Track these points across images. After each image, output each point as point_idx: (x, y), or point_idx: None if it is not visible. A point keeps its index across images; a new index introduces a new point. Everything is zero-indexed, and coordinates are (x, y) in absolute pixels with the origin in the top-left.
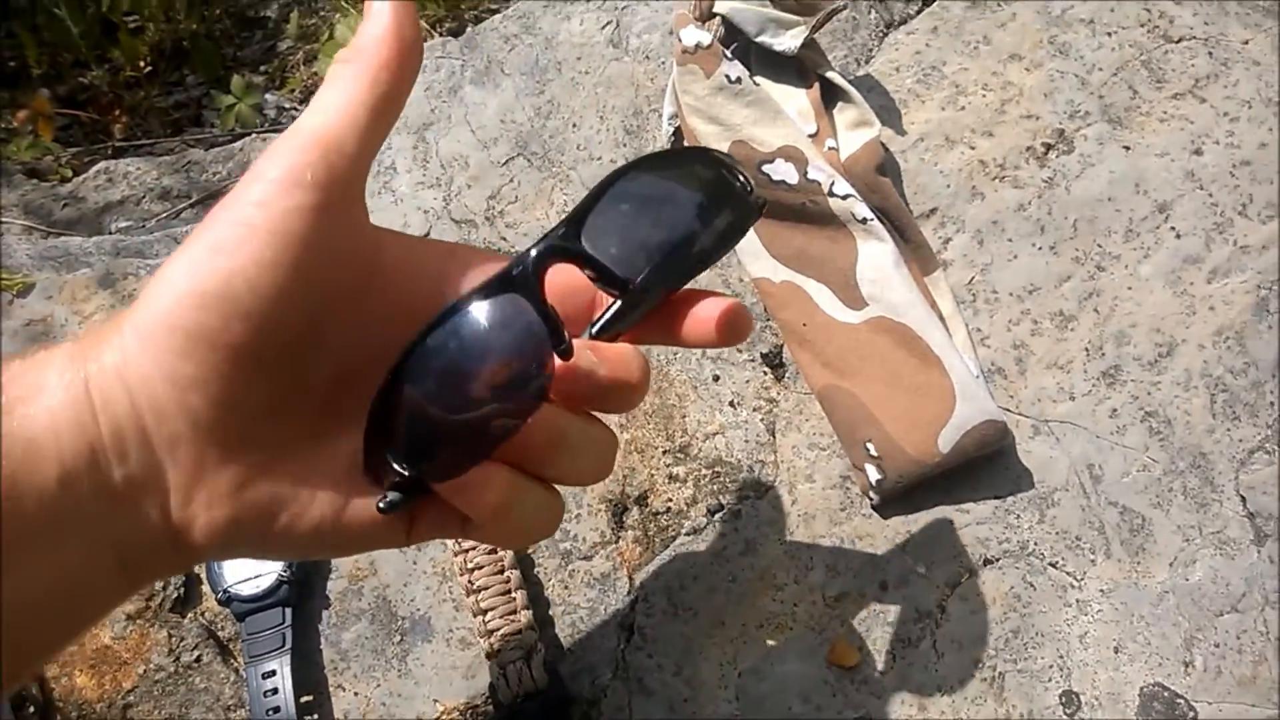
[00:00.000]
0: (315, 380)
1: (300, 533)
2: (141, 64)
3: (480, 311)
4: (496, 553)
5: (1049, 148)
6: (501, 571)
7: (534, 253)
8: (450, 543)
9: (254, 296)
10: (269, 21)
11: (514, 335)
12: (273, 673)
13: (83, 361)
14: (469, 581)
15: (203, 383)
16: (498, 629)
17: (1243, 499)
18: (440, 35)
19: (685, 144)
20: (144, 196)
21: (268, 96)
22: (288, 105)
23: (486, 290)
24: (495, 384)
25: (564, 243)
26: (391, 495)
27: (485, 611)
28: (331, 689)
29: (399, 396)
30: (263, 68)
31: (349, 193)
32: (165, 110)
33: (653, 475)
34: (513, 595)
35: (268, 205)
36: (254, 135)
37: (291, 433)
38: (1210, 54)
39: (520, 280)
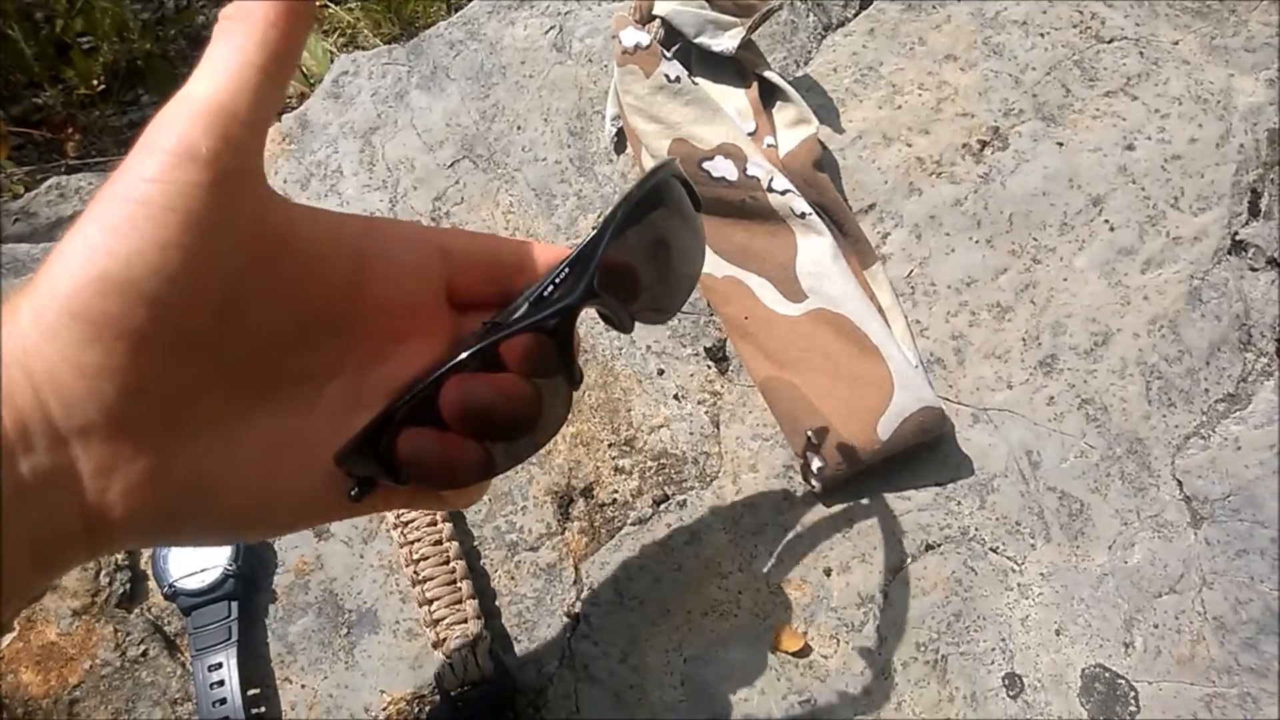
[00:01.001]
0: (230, 358)
1: (225, 513)
2: (95, 83)
3: (512, 352)
4: (442, 543)
5: (984, 145)
6: (447, 562)
7: (565, 302)
8: (396, 534)
9: (157, 279)
10: None
11: (545, 382)
12: (219, 665)
13: None
14: (414, 572)
15: (111, 370)
16: (443, 619)
17: (1179, 483)
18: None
19: (628, 143)
20: None
21: None
22: None
23: (514, 331)
24: (523, 422)
25: (597, 302)
26: (360, 484)
27: (431, 602)
28: (279, 682)
29: (410, 426)
30: None
31: (247, 163)
32: (119, 129)
33: (599, 467)
34: (458, 585)
35: (162, 181)
36: None
37: (208, 412)
38: (1141, 54)
39: (556, 330)
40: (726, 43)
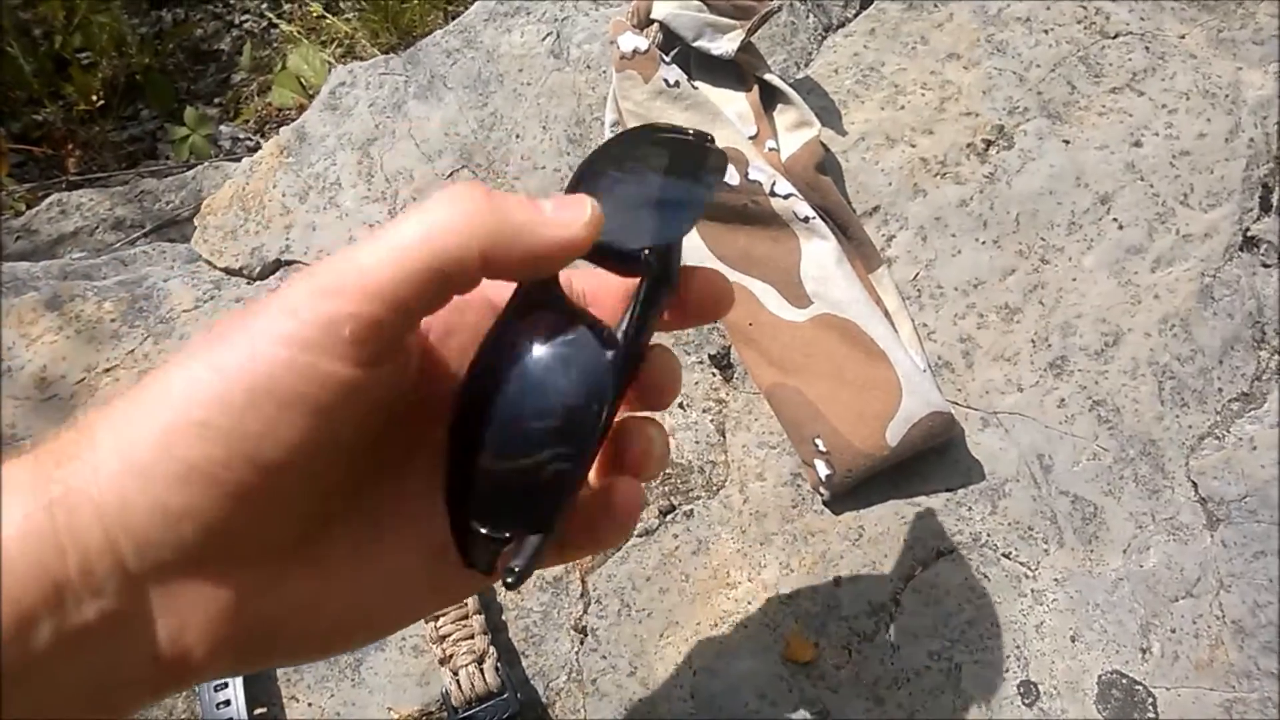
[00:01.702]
0: (321, 487)
1: (320, 633)
2: (94, 99)
3: (520, 346)
4: None
5: (989, 144)
6: None
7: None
8: None
9: (268, 446)
10: (222, 54)
11: (572, 360)
12: (225, 685)
13: (46, 482)
14: None
15: (196, 513)
16: (449, 635)
17: (1194, 484)
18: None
19: None
20: (97, 227)
21: (222, 128)
22: (242, 136)
23: (512, 321)
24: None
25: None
26: (516, 563)
27: (437, 618)
28: (285, 700)
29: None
30: (217, 100)
31: (395, 348)
32: (120, 144)
33: None
34: (464, 601)
35: (294, 357)
36: (207, 164)
37: (294, 538)
38: (1147, 49)
39: (544, 297)
40: (726, 46)
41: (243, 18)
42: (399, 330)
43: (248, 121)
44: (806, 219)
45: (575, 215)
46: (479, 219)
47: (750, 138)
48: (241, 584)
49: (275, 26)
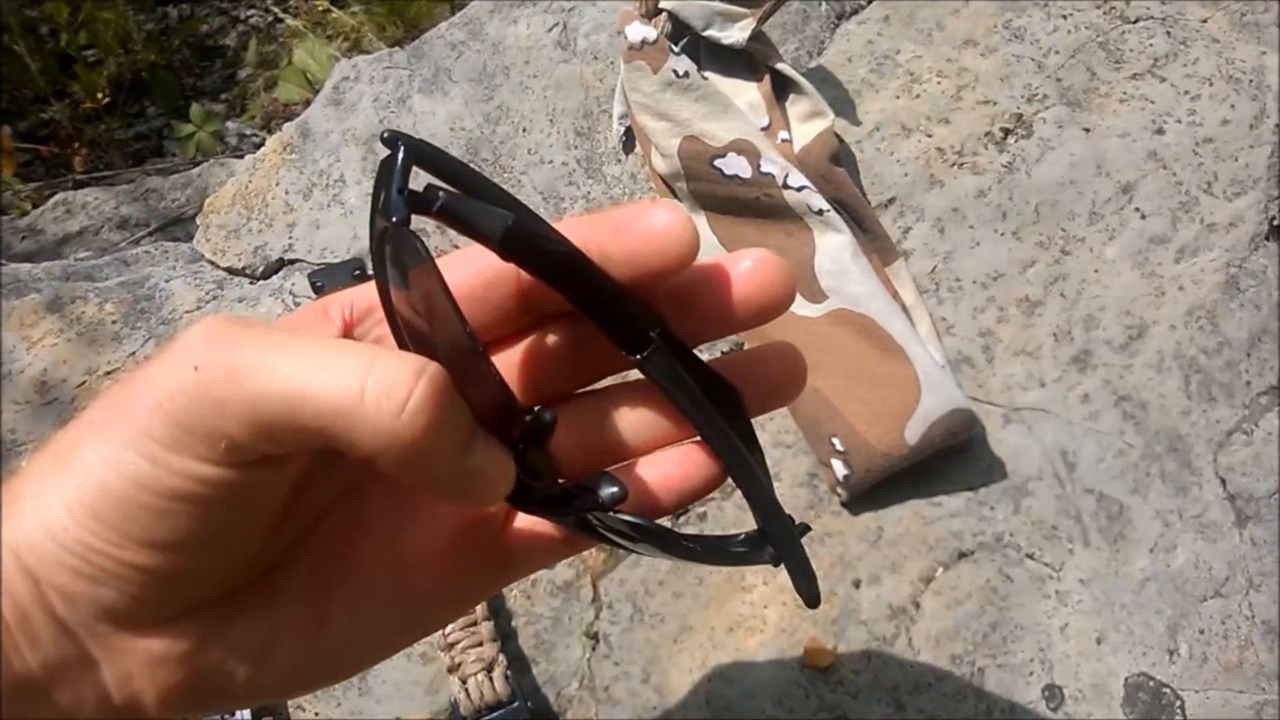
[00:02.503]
0: (263, 544)
1: (281, 672)
2: (100, 96)
3: None
4: None
5: (1007, 132)
6: None
7: None
8: None
9: (162, 532)
10: (228, 50)
11: None
12: None
13: None
14: None
15: (110, 580)
16: (458, 642)
17: (1222, 481)
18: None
19: (636, 143)
20: (102, 226)
21: (229, 124)
22: (249, 132)
23: None
24: None
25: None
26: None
27: (444, 625)
28: (292, 710)
29: None
30: (223, 96)
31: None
32: (126, 142)
33: None
34: (472, 608)
35: (165, 461)
36: (212, 161)
37: (240, 587)
38: (1168, 33)
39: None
40: (736, 35)
41: (248, 13)
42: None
43: (254, 118)
44: (820, 212)
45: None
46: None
47: (762, 129)
48: (180, 635)
49: (280, 21)
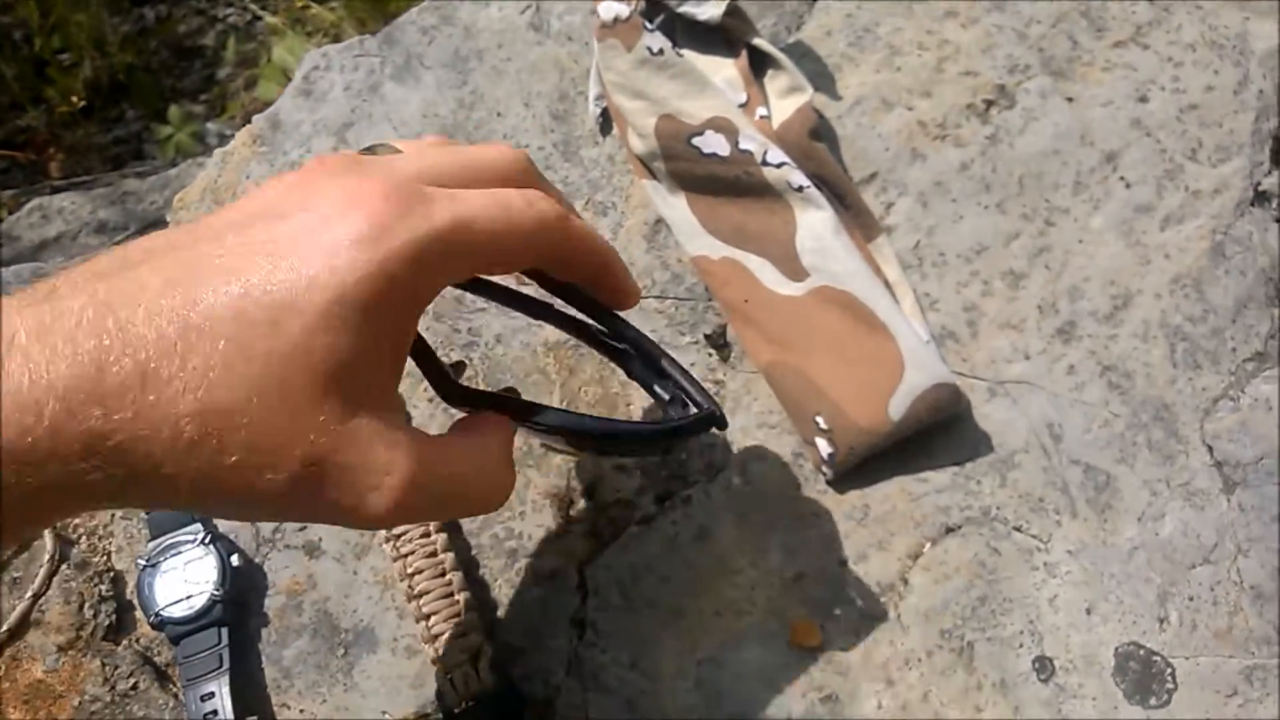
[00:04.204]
0: None
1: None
2: (75, 100)
3: None
4: (437, 555)
5: (990, 104)
6: (444, 574)
7: None
8: (388, 548)
9: None
10: (207, 50)
11: None
12: (211, 695)
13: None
14: (409, 587)
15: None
16: (442, 633)
17: (1209, 448)
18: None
19: (614, 124)
20: (80, 231)
21: (209, 125)
22: (229, 132)
23: None
24: None
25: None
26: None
27: (428, 617)
28: (276, 708)
29: None
30: (202, 96)
31: None
32: (105, 146)
33: (599, 466)
34: (456, 598)
35: None
36: (190, 161)
37: None
38: (1151, 0)
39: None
40: (711, 10)
41: (226, 11)
42: None
43: (234, 117)
44: (801, 188)
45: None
46: None
47: (740, 105)
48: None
49: (259, 19)
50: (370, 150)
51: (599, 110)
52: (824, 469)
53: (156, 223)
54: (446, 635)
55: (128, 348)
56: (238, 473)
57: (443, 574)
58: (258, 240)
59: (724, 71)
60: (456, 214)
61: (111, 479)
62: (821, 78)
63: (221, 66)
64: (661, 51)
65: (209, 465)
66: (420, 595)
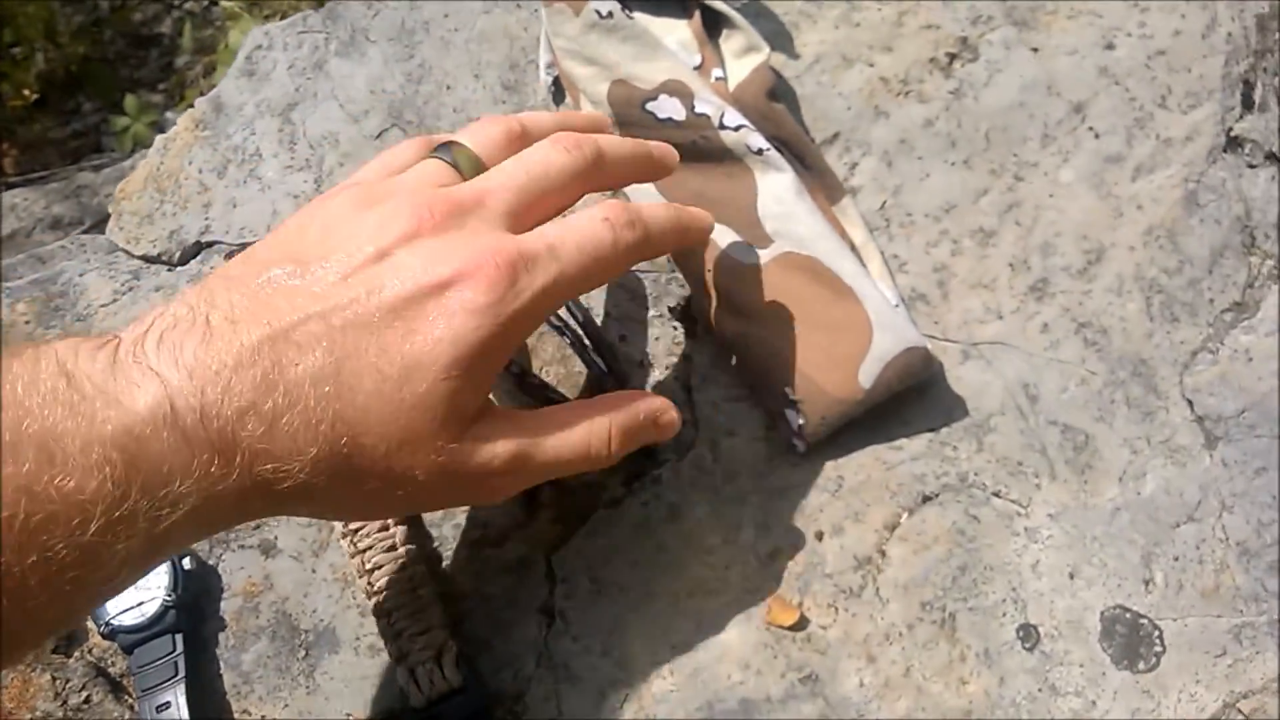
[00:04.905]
0: None
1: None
2: (28, 94)
3: None
4: (396, 549)
5: (953, 57)
6: (404, 569)
7: None
8: (345, 544)
9: None
10: (164, 38)
11: None
12: (167, 705)
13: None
14: (369, 584)
15: None
16: (404, 630)
17: (1189, 403)
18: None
19: (565, 92)
20: (34, 228)
21: (168, 114)
22: None
23: None
24: None
25: None
26: None
27: (389, 614)
28: (237, 715)
29: None
30: (161, 85)
31: None
32: (63, 140)
33: None
34: (419, 593)
35: None
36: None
37: None
38: None
39: None
40: None
41: None
42: None
43: (193, 105)
44: (760, 151)
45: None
46: None
47: (695, 68)
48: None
49: (215, 4)
50: (447, 153)
51: (550, 78)
52: (795, 441)
53: (110, 217)
54: (409, 632)
55: (292, 403)
56: (374, 491)
57: (403, 568)
58: (393, 310)
59: (677, 33)
60: (555, 274)
61: (270, 498)
62: (779, 36)
63: (179, 54)
64: (610, 15)
65: (352, 485)
66: (380, 591)
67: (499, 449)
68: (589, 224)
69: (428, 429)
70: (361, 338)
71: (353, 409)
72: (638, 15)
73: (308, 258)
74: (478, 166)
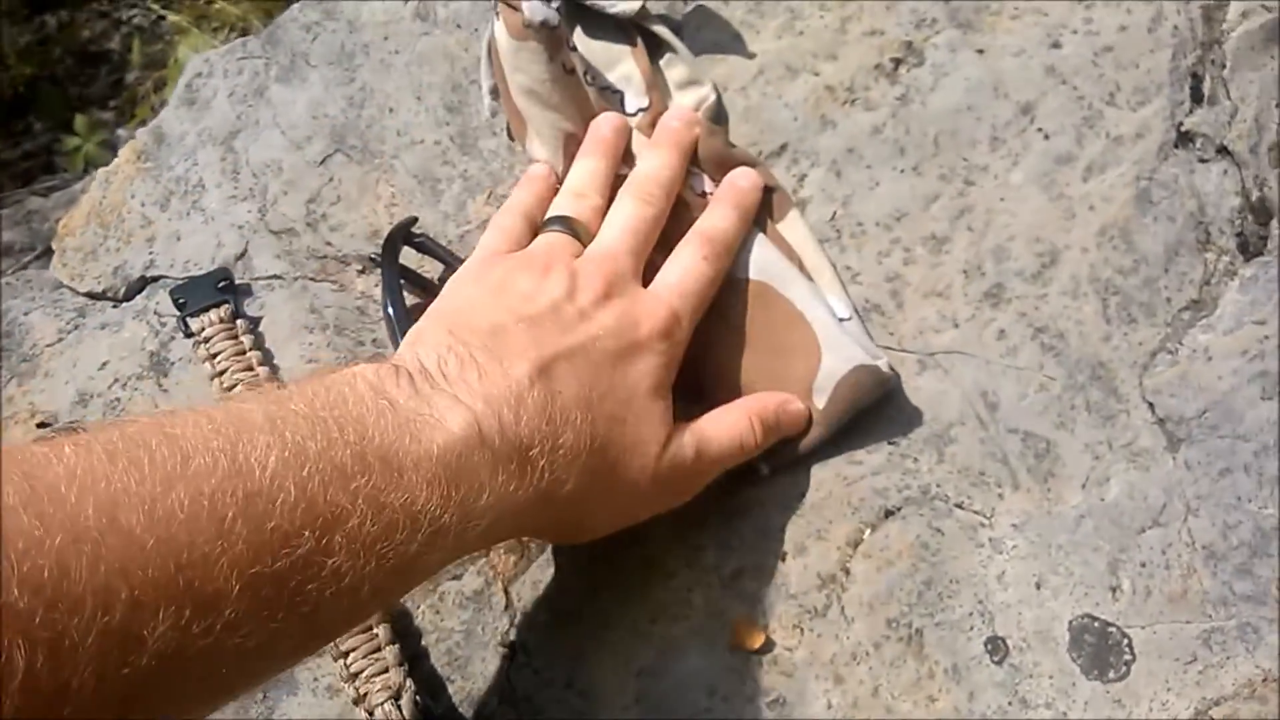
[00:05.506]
0: None
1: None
2: None
3: None
4: None
5: (898, 63)
6: None
7: None
8: None
9: None
10: (113, 54)
11: None
12: None
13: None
14: None
15: None
16: (361, 671)
17: (1150, 405)
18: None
19: (508, 122)
20: None
21: (120, 132)
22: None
23: None
24: None
25: None
26: None
27: (345, 654)
28: None
29: None
30: (111, 102)
31: None
32: (13, 162)
33: None
34: (374, 631)
35: None
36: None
37: None
38: None
39: None
40: (624, 5)
41: (130, 13)
42: None
43: (144, 122)
44: (703, 194)
45: None
46: None
47: (642, 110)
48: None
49: (164, 19)
50: (565, 227)
51: (492, 100)
52: (760, 464)
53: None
54: (366, 673)
55: (567, 422)
56: (612, 493)
57: None
58: (616, 354)
59: (623, 66)
60: (688, 320)
61: (544, 508)
62: (724, 47)
63: (129, 70)
64: (573, 70)
65: (602, 490)
66: None
67: (687, 450)
68: (694, 265)
69: (650, 434)
70: (598, 374)
71: (601, 425)
72: (582, 45)
73: (523, 312)
74: (589, 233)
